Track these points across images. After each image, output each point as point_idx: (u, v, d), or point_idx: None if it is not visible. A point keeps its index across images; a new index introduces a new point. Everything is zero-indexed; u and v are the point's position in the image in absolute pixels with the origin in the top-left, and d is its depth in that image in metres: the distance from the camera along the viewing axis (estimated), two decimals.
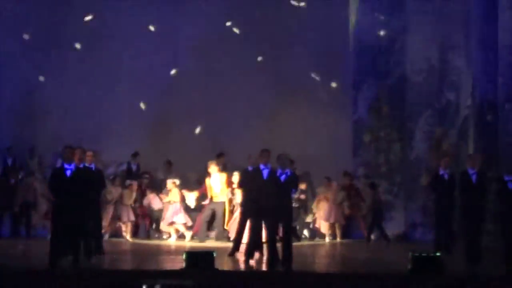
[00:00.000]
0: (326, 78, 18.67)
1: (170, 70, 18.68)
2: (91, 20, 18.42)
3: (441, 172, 14.17)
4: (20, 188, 16.95)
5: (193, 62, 18.71)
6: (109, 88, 18.69)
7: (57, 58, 18.80)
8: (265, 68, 18.54)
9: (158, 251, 14.76)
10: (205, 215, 16.12)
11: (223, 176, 15.96)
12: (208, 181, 16.03)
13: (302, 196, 16.89)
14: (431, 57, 17.59)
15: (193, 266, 10.83)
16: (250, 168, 13.29)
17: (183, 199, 16.61)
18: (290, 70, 18.64)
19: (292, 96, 18.68)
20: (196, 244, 15.75)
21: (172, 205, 16.45)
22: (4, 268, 11.09)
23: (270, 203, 11.71)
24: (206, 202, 16.19)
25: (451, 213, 13.98)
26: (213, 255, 10.99)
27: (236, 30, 18.40)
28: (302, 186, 16.33)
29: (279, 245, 11.91)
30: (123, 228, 16.71)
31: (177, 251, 14.05)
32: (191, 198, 16.59)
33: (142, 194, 17.14)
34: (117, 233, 16.84)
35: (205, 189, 16.16)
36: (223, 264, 11.88)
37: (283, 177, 11.77)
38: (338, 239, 17.07)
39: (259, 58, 18.39)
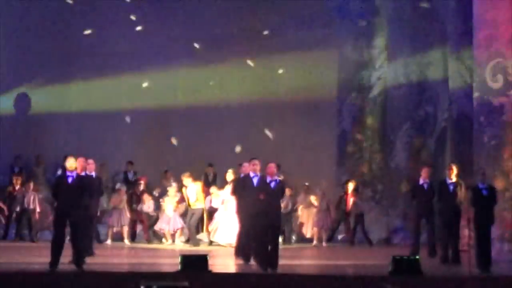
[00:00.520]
0: (312, 92, 18.73)
1: (163, 80, 18.66)
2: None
3: (421, 181, 14.25)
4: (18, 194, 16.92)
5: (184, 75, 18.71)
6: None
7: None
8: (255, 83, 18.60)
9: (155, 254, 14.75)
10: (191, 221, 16.24)
11: (198, 184, 16.30)
12: (184, 191, 16.33)
13: (289, 202, 16.95)
14: (411, 72, 17.72)
15: (188, 269, 10.87)
16: (241, 176, 13.36)
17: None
18: (279, 84, 18.70)
19: (281, 110, 18.73)
20: (191, 248, 15.78)
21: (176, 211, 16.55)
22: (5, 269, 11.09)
23: (260, 209, 11.79)
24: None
25: (431, 220, 14.06)
26: (206, 258, 11.05)
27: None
28: (288, 193, 16.39)
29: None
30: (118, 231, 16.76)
31: (173, 254, 14.05)
32: (170, 208, 16.66)
33: (138, 199, 17.16)
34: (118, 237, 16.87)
35: (183, 199, 16.47)
36: (216, 267, 11.91)
37: (272, 184, 11.86)
38: (324, 243, 17.12)
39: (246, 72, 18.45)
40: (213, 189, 16.45)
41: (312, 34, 18.31)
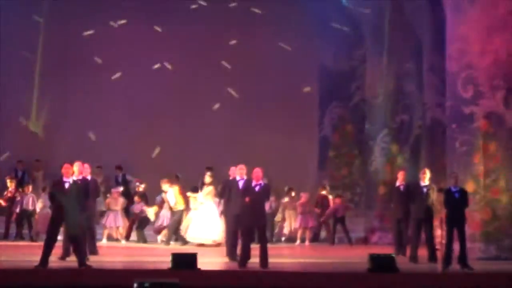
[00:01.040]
0: (295, 101, 18.83)
1: (149, 92, 18.67)
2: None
3: (397, 184, 14.40)
4: (18, 197, 16.90)
5: (171, 88, 18.74)
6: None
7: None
8: (239, 93, 18.67)
9: (148, 253, 14.76)
10: (170, 223, 16.38)
11: (176, 188, 16.39)
12: (164, 196, 16.45)
13: (273, 204, 17.04)
14: (388, 83, 17.84)
15: (178, 266, 10.89)
16: (229, 180, 13.44)
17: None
18: (265, 95, 18.78)
19: (267, 118, 18.81)
20: (181, 246, 15.82)
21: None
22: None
23: (245, 211, 11.88)
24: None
25: (407, 220, 14.17)
26: (196, 256, 11.09)
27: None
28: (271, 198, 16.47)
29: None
30: (115, 232, 16.75)
31: (165, 253, 14.07)
32: (151, 212, 16.72)
33: (130, 201, 17.20)
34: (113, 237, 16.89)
35: (163, 204, 16.60)
36: (205, 265, 11.95)
37: (257, 188, 11.96)
38: (307, 243, 17.19)
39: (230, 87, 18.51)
40: (189, 193, 16.41)
41: (294, 45, 18.42)
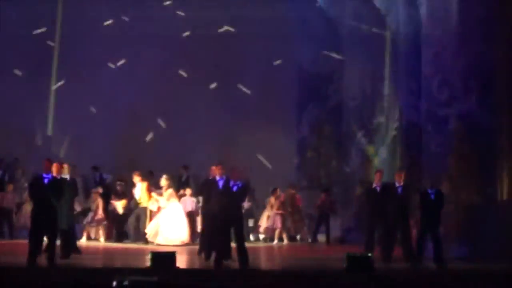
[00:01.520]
0: (274, 102, 18.68)
1: (135, 93, 18.45)
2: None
3: (374, 185, 14.23)
4: None
5: (156, 88, 18.52)
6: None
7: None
8: (220, 94, 18.47)
9: (127, 252, 14.54)
10: (130, 220, 16.16)
11: (144, 185, 16.14)
12: (133, 190, 16.21)
13: (248, 204, 16.83)
14: (365, 85, 17.76)
15: (157, 265, 10.73)
16: (209, 179, 13.23)
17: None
18: (243, 96, 18.61)
19: (246, 119, 18.65)
20: (160, 245, 15.56)
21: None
22: None
23: (222, 209, 11.66)
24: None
25: (382, 220, 14.00)
26: (174, 255, 10.91)
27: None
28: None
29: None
30: (94, 231, 16.45)
31: (143, 252, 13.84)
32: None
33: (108, 201, 16.89)
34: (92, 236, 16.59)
35: (132, 197, 16.33)
36: (183, 263, 11.77)
37: (235, 188, 11.74)
38: (285, 242, 17.00)
39: (212, 86, 18.26)
40: (153, 194, 15.99)
41: (273, 47, 18.28)
